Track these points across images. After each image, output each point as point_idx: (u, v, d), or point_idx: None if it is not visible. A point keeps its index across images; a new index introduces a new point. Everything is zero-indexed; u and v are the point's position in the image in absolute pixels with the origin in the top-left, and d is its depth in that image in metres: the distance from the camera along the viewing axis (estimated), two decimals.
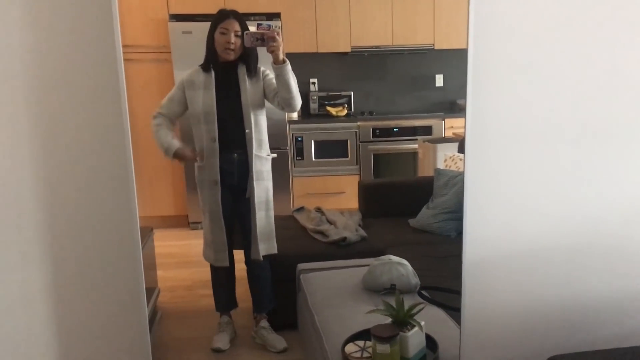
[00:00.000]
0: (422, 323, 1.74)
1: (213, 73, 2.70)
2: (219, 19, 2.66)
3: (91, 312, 1.60)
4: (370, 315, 1.84)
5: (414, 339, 1.71)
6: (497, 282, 1.60)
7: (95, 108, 1.54)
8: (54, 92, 1.50)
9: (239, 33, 2.65)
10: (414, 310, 1.74)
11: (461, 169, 3.63)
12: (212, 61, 2.71)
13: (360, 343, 1.81)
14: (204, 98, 2.69)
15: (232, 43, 2.63)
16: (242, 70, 2.71)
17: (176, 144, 2.73)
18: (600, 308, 1.65)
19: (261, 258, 2.77)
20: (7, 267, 1.48)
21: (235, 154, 2.74)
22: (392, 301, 1.78)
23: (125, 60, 4.78)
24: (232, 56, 2.66)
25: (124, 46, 4.79)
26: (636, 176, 1.61)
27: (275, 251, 2.83)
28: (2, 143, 1.46)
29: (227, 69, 2.71)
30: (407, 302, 1.80)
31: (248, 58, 2.70)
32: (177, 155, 2.73)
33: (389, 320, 1.76)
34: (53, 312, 1.56)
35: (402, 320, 1.72)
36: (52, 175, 1.52)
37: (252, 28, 2.67)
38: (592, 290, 1.64)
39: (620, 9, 1.50)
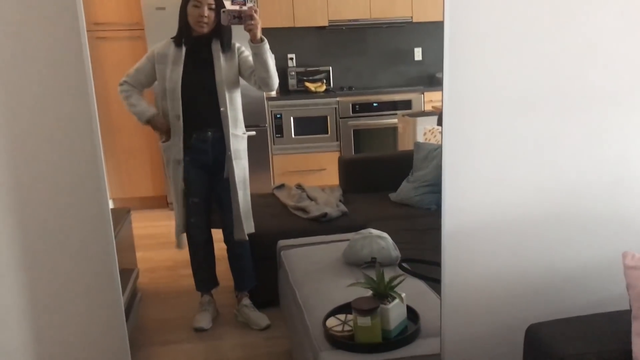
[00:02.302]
0: (403, 295, 1.73)
1: (184, 49, 2.63)
2: None
3: (65, 295, 1.57)
4: (351, 288, 1.83)
5: (395, 310, 1.71)
6: (477, 253, 1.60)
7: (59, 89, 1.49)
8: (15, 73, 1.45)
9: (213, 6, 2.58)
10: (395, 282, 1.74)
11: (440, 142, 3.62)
12: (185, 35, 2.64)
13: (342, 317, 1.81)
14: (171, 74, 2.62)
15: (206, 16, 2.57)
16: (216, 46, 2.64)
17: (151, 110, 2.67)
18: (579, 275, 1.66)
19: (247, 237, 2.75)
20: None
21: (209, 132, 2.68)
22: (373, 274, 1.77)
23: (97, 38, 4.68)
24: (205, 29, 2.60)
25: (95, 24, 4.66)
26: (614, 144, 1.61)
27: (253, 230, 2.81)
28: None
29: (200, 44, 2.64)
30: (388, 274, 1.79)
31: (221, 33, 2.63)
32: (150, 122, 2.67)
33: (369, 293, 1.75)
34: (26, 297, 1.52)
35: (383, 293, 1.72)
36: (17, 160, 1.47)
37: (227, 2, 2.60)
38: (571, 258, 1.65)
39: None
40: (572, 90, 1.56)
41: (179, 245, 2.83)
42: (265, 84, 2.61)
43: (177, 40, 2.65)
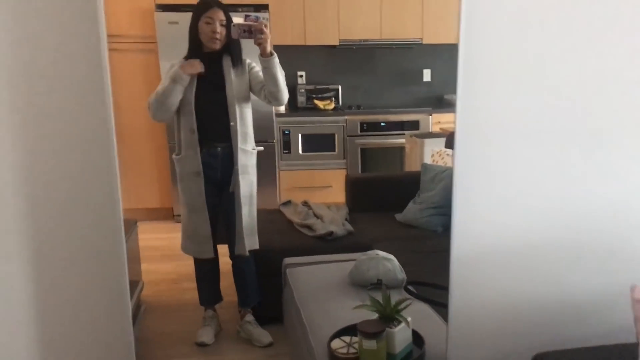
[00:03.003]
0: (409, 319, 1.73)
1: None
2: (203, 8, 2.62)
3: (74, 305, 1.57)
4: (356, 310, 1.83)
5: (401, 334, 1.70)
6: (485, 279, 1.60)
7: (79, 100, 1.51)
8: (37, 83, 1.46)
9: (224, 22, 2.61)
10: (401, 306, 1.73)
11: (448, 164, 3.63)
12: (196, 52, 2.67)
13: (347, 339, 1.80)
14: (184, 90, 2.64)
15: (218, 32, 2.60)
16: (226, 62, 2.68)
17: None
18: (588, 305, 1.65)
19: (247, 253, 2.75)
20: None
21: (219, 147, 2.70)
22: (379, 296, 1.77)
23: (110, 50, 4.73)
24: (218, 45, 2.63)
25: (109, 36, 4.72)
26: (623, 174, 1.62)
27: (257, 246, 2.81)
28: None
29: (212, 60, 2.67)
30: (394, 297, 1.79)
31: (232, 48, 2.67)
32: (187, 69, 2.59)
33: (375, 315, 1.75)
34: (35, 306, 1.52)
35: (389, 316, 1.71)
36: (34, 168, 1.48)
37: (240, 19, 2.63)
38: (579, 287, 1.64)
39: (615, 7, 1.50)
40: (588, 119, 1.57)
41: (206, 253, 2.80)
42: (274, 98, 2.64)
43: (189, 58, 2.68)
